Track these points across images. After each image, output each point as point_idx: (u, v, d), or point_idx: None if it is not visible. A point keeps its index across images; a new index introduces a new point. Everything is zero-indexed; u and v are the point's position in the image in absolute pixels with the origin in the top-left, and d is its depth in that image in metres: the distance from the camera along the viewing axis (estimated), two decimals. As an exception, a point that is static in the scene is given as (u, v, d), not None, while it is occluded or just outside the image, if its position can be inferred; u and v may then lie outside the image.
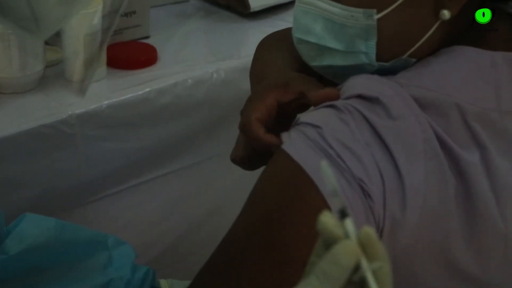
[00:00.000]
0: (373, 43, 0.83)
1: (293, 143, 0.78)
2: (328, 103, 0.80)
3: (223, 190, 1.58)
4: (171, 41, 1.66)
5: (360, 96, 0.79)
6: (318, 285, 0.51)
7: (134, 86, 1.45)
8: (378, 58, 0.84)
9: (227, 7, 1.79)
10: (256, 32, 1.74)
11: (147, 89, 1.45)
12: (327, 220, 0.52)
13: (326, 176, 0.54)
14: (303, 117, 0.81)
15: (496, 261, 0.80)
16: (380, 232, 0.75)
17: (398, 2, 0.81)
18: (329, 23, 0.84)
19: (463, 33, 0.86)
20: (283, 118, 0.87)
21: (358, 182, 0.75)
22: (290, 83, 0.87)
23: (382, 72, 0.84)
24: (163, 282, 0.99)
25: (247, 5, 1.73)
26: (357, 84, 0.82)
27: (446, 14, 0.82)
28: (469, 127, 0.78)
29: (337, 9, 0.84)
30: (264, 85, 0.89)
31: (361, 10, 0.82)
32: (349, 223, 0.53)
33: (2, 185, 1.29)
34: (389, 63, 0.84)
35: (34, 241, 0.83)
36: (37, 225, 0.85)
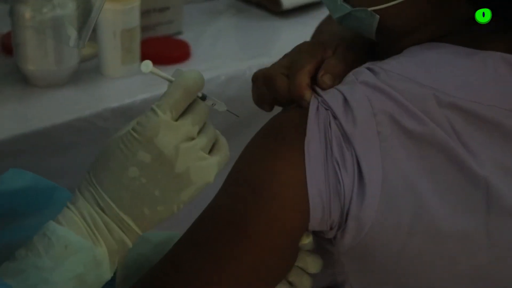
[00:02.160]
0: None
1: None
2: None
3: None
4: (204, 37, 1.67)
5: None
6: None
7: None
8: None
9: (257, 5, 1.80)
10: (288, 31, 1.75)
11: (180, 85, 1.45)
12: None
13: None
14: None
15: (480, 211, 0.81)
16: (345, 216, 0.81)
17: None
18: None
19: (454, 33, 0.85)
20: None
21: (334, 165, 0.81)
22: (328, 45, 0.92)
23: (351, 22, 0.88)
24: None
25: (279, 3, 1.74)
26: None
27: None
28: (445, 116, 0.80)
29: None
30: (316, 41, 0.95)
31: None
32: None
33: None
34: (353, 9, 0.86)
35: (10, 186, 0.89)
36: (18, 174, 0.91)
